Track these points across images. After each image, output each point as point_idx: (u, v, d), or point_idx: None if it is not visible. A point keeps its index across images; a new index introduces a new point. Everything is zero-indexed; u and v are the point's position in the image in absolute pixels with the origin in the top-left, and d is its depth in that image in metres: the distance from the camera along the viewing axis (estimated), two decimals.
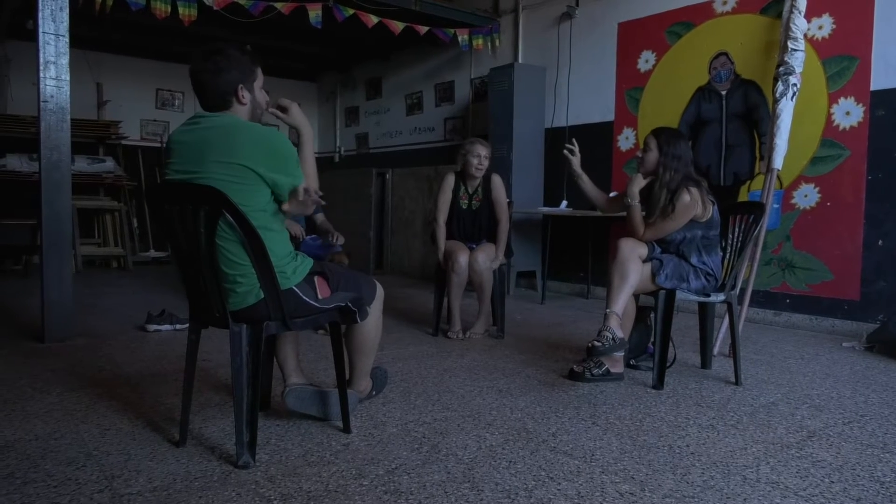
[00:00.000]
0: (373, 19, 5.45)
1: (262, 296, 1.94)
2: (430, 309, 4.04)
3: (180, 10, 4.85)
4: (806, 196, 4.22)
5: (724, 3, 4.63)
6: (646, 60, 5.13)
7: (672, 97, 4.95)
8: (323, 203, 2.00)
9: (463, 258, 3.72)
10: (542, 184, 5.90)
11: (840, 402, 2.66)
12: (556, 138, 5.81)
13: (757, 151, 4.49)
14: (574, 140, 3.31)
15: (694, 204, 2.79)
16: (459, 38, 6.09)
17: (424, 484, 1.81)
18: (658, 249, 2.91)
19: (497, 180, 3.90)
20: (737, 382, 2.91)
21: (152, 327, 3.86)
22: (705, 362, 3.20)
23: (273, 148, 1.92)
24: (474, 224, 3.92)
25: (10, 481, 1.79)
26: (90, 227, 7.43)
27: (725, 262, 3.00)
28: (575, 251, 5.66)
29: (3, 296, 5.12)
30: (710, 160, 4.74)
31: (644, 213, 2.95)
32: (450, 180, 3.93)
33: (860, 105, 3.98)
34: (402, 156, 7.68)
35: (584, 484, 1.83)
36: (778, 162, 3.91)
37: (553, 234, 5.47)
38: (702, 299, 2.91)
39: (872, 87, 3.93)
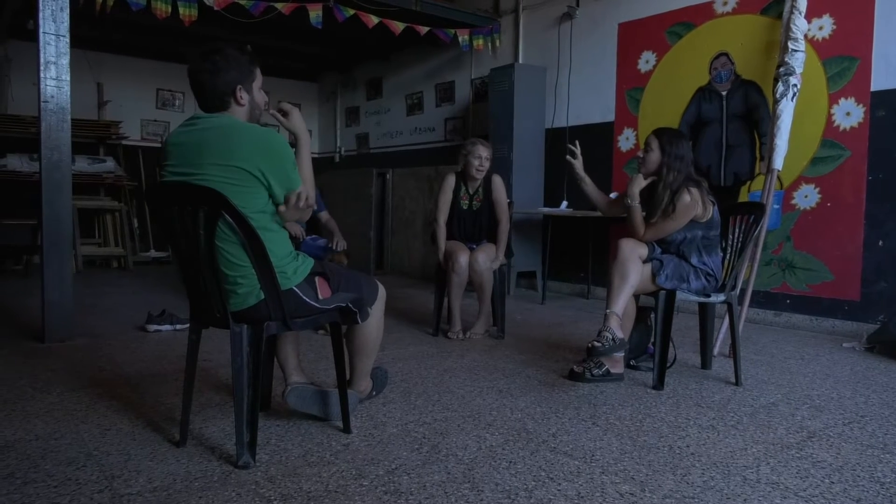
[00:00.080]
0: (373, 20, 5.45)
1: (263, 296, 1.94)
2: (431, 309, 4.04)
3: (181, 10, 4.85)
4: (806, 196, 4.22)
5: (725, 3, 4.63)
6: (646, 61, 5.13)
7: (672, 97, 4.95)
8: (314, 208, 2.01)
9: (463, 258, 3.72)
10: (543, 184, 5.90)
11: (840, 403, 2.66)
12: (556, 138, 5.81)
13: (757, 152, 4.49)
14: (577, 142, 3.30)
15: (694, 204, 2.79)
16: (460, 39, 6.09)
17: (424, 484, 1.81)
18: (658, 250, 2.91)
19: (497, 181, 3.90)
20: (737, 383, 2.90)
21: (152, 327, 3.87)
22: (705, 363, 3.20)
23: (271, 149, 1.91)
24: (475, 224, 3.92)
25: (11, 481, 1.79)
26: (91, 227, 7.43)
27: (726, 262, 3.00)
28: (575, 251, 5.66)
29: (4, 296, 5.12)
30: (710, 160, 4.74)
31: (644, 214, 2.95)
32: (450, 180, 3.92)
33: (860, 105, 3.98)
34: (403, 156, 7.69)
35: (585, 484, 1.83)
36: (778, 162, 3.91)
37: (553, 234, 5.47)
38: (702, 300, 2.91)
39: (873, 88, 3.93)
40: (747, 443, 2.18)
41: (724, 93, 4.65)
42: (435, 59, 7.19)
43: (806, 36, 4.03)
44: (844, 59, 4.04)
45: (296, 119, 2.11)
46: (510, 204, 4.03)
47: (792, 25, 3.99)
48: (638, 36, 5.18)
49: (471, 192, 3.91)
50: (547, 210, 5.52)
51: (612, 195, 3.82)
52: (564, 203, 5.54)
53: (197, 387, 2.47)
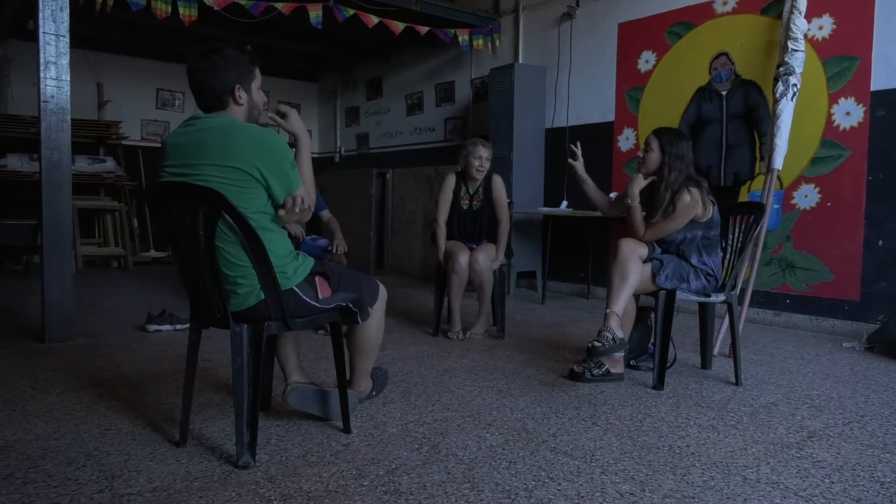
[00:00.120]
0: (373, 19, 5.45)
1: (263, 296, 1.94)
2: (431, 309, 4.04)
3: (181, 10, 4.85)
4: (806, 196, 4.22)
5: (725, 3, 4.63)
6: (646, 60, 5.13)
7: (672, 97, 4.95)
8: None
9: (463, 258, 3.72)
10: (543, 184, 5.90)
11: (840, 403, 2.66)
12: (556, 138, 5.81)
13: (757, 152, 4.49)
14: (577, 143, 3.30)
15: (694, 204, 2.79)
16: (460, 39, 6.09)
17: (424, 484, 1.81)
18: (658, 250, 2.91)
19: (498, 181, 3.90)
20: (737, 383, 2.91)
21: (153, 327, 3.87)
22: (705, 363, 3.20)
23: (269, 150, 1.90)
24: (475, 224, 3.92)
25: (11, 481, 1.79)
26: (91, 227, 7.43)
27: (726, 262, 3.00)
28: (575, 251, 5.66)
29: (4, 296, 5.12)
30: (710, 160, 4.74)
31: (644, 214, 2.96)
32: (451, 180, 3.92)
33: (860, 105, 3.98)
34: (403, 156, 7.69)
35: (585, 484, 1.83)
36: (778, 162, 3.91)
37: (553, 234, 5.47)
38: (702, 300, 2.91)
39: (873, 88, 3.93)
40: (747, 443, 2.18)
41: (724, 93, 4.65)
42: (435, 59, 7.19)
43: (806, 36, 4.03)
44: (844, 59, 4.04)
45: (294, 120, 2.11)
46: (510, 204, 4.03)
47: (792, 25, 3.99)
48: (638, 36, 5.18)
49: (471, 192, 3.91)
50: (547, 210, 5.52)
51: (612, 195, 3.83)
52: (564, 203, 5.54)
53: (197, 387, 2.47)
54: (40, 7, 3.39)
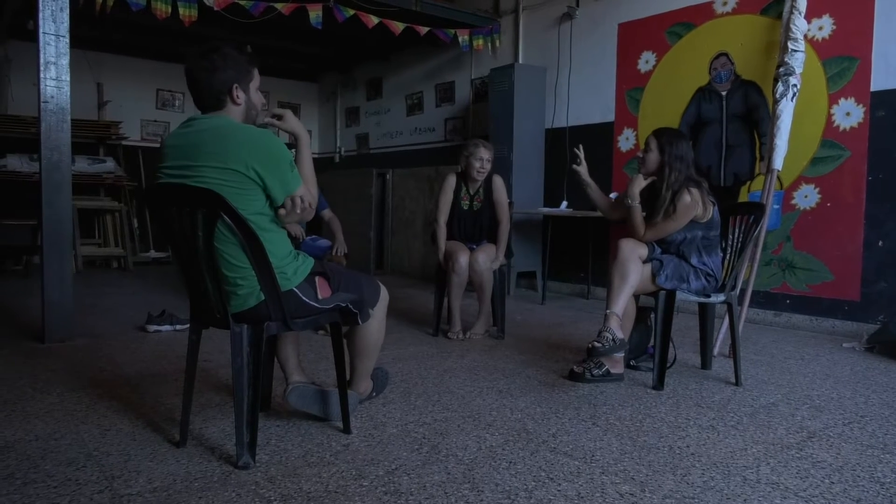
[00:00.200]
0: (373, 20, 5.45)
1: (263, 297, 1.94)
2: (431, 309, 4.04)
3: (181, 10, 4.85)
4: (806, 197, 4.22)
5: (725, 3, 4.63)
6: (646, 61, 5.13)
7: (672, 98, 4.95)
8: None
9: (463, 258, 3.72)
10: (543, 184, 5.90)
11: (840, 403, 2.66)
12: (556, 139, 5.82)
13: (757, 152, 4.49)
14: (580, 147, 3.29)
15: (694, 204, 2.79)
16: (460, 39, 6.09)
17: (424, 485, 1.81)
18: (658, 250, 2.91)
19: (498, 181, 3.90)
20: (737, 383, 2.90)
21: (153, 328, 3.87)
22: (705, 363, 3.20)
23: (266, 151, 1.89)
24: (475, 225, 3.92)
25: (11, 482, 1.79)
26: (91, 228, 7.43)
27: (725, 262, 3.00)
28: (575, 252, 5.66)
29: (4, 296, 5.12)
30: (710, 161, 4.74)
31: (645, 214, 2.96)
32: (451, 181, 3.92)
33: (860, 106, 3.98)
34: (403, 156, 7.69)
35: (585, 485, 1.83)
36: (778, 162, 3.91)
37: (553, 234, 5.47)
38: (702, 300, 2.91)
39: (873, 88, 3.93)
40: (747, 443, 2.18)
41: (723, 93, 4.65)
42: (435, 60, 7.19)
43: (806, 36, 4.03)
44: (844, 60, 4.04)
45: (290, 119, 2.10)
46: (510, 204, 4.03)
47: (792, 25, 3.99)
48: (638, 36, 5.18)
49: (471, 192, 3.91)
50: (547, 210, 5.52)
51: (612, 195, 3.83)
52: (564, 203, 5.55)
53: (197, 387, 2.47)
54: (40, 7, 3.39)
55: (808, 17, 4.07)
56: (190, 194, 1.85)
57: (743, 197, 4.54)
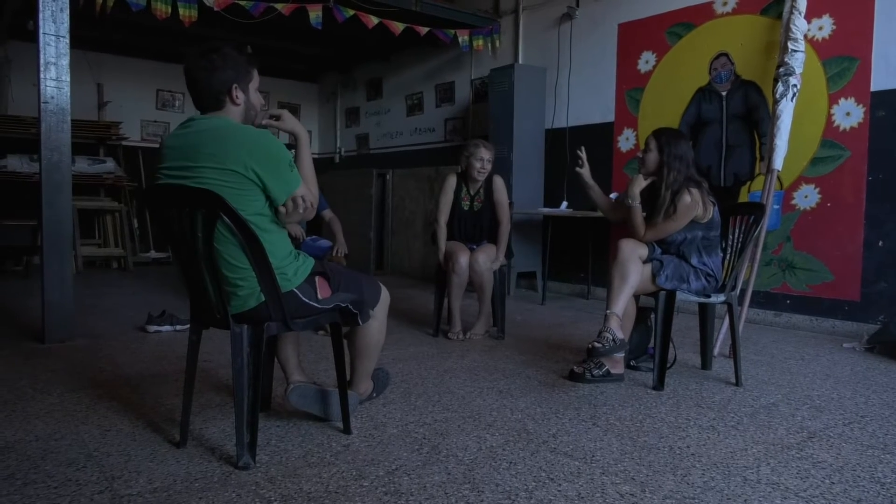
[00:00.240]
0: (373, 20, 5.45)
1: (264, 298, 1.93)
2: (431, 310, 4.04)
3: (181, 10, 4.85)
4: (806, 197, 4.22)
5: (725, 3, 4.63)
6: (646, 61, 5.13)
7: (672, 98, 4.95)
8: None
9: (463, 259, 3.72)
10: (543, 184, 5.90)
11: (840, 403, 2.66)
12: (556, 139, 5.82)
13: (757, 152, 4.49)
14: (582, 149, 3.29)
15: (695, 205, 2.79)
16: (460, 39, 6.09)
17: (425, 485, 1.81)
18: (658, 250, 2.91)
19: (499, 182, 3.90)
20: (737, 383, 2.90)
21: (153, 328, 3.87)
22: (706, 363, 3.20)
23: (264, 151, 1.89)
24: (475, 225, 3.92)
25: (11, 482, 1.79)
26: (91, 228, 7.44)
27: (726, 262, 3.00)
28: (575, 252, 5.66)
29: (4, 296, 5.12)
30: (710, 161, 4.74)
31: (645, 214, 2.96)
32: (451, 181, 3.92)
33: (860, 106, 3.98)
34: (403, 156, 7.69)
35: (585, 485, 1.83)
36: (778, 163, 3.91)
37: (553, 234, 5.47)
38: (702, 300, 2.91)
39: (873, 88, 3.93)
40: (747, 443, 2.18)
41: (723, 93, 4.65)
42: (435, 60, 7.19)
43: (806, 36, 4.03)
44: (844, 60, 4.05)
45: (288, 119, 2.09)
46: (510, 204, 4.03)
47: (792, 26, 3.99)
48: (638, 36, 5.18)
49: (472, 192, 3.91)
50: (547, 210, 5.52)
51: (613, 196, 3.83)
52: (564, 203, 5.55)
53: (197, 387, 2.47)
54: (40, 8, 3.39)
55: (808, 17, 4.07)
56: (189, 195, 1.84)
57: (743, 197, 4.54)
